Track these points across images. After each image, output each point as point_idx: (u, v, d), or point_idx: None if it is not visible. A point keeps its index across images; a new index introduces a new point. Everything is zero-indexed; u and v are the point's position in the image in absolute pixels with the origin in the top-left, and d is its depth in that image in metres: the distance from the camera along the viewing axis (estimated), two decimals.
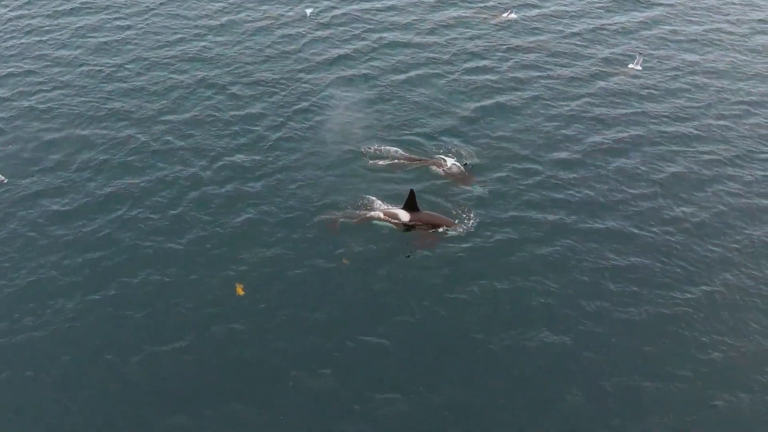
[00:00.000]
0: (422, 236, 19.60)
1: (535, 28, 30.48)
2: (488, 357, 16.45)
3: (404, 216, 19.77)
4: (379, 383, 15.81)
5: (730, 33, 30.71)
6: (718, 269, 19.00)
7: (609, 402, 15.61)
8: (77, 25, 29.74)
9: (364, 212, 20.04)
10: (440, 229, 19.60)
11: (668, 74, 27.57)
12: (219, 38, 29.11)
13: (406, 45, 29.01)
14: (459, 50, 28.72)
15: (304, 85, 26.16)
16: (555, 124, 24.46)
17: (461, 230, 19.57)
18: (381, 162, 22.14)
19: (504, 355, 16.52)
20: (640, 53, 27.94)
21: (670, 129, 24.49)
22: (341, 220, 19.81)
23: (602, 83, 26.87)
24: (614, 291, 18.19)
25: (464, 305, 17.66)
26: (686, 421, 15.29)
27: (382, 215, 19.88)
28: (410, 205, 19.78)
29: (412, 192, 19.71)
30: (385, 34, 29.62)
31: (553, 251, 19.27)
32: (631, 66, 27.41)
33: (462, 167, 21.71)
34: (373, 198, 20.62)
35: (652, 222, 20.48)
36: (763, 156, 23.38)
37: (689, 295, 18.15)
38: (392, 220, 19.77)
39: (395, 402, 15.40)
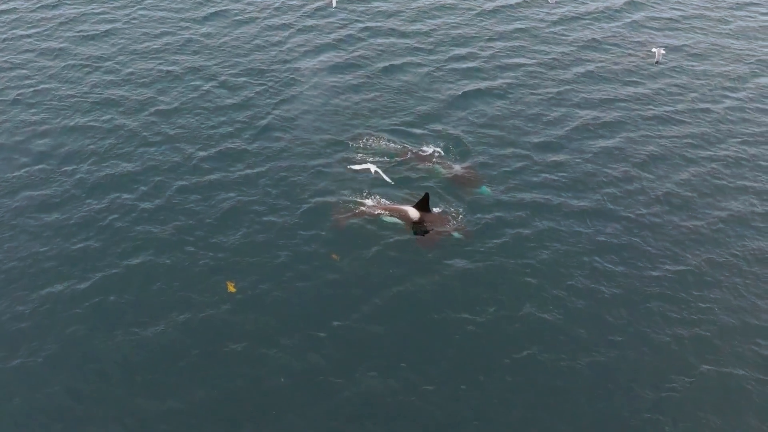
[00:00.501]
0: (427, 236, 19.31)
1: (518, 16, 30.60)
2: (475, 337, 16.53)
3: (414, 214, 19.43)
4: (369, 365, 15.87)
5: (708, 17, 30.98)
6: (699, 247, 19.21)
7: (597, 376, 15.83)
8: (61, 20, 29.41)
9: (372, 207, 19.80)
10: (449, 232, 19.23)
11: (647, 59, 27.79)
12: (204, 30, 28.93)
13: (390, 34, 28.98)
14: (443, 38, 28.74)
15: (290, 76, 26.06)
16: (538, 109, 24.56)
17: (468, 234, 19.16)
18: (370, 158, 21.72)
19: (490, 334, 16.62)
20: (658, 45, 28.19)
21: (649, 112, 24.66)
22: (349, 214, 19.67)
23: (583, 69, 26.97)
24: (598, 269, 18.35)
25: (450, 288, 17.74)
26: (669, 390, 15.57)
27: (391, 212, 19.57)
28: (422, 205, 19.45)
29: (427, 195, 19.37)
30: (369, 24, 29.56)
31: (536, 232, 19.41)
32: (654, 50, 27.59)
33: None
34: (368, 191, 20.47)
35: (634, 202, 20.65)
36: (739, 138, 23.57)
37: (670, 273, 18.35)
38: (401, 218, 19.41)
39: (385, 383, 15.49)
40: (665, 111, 24.77)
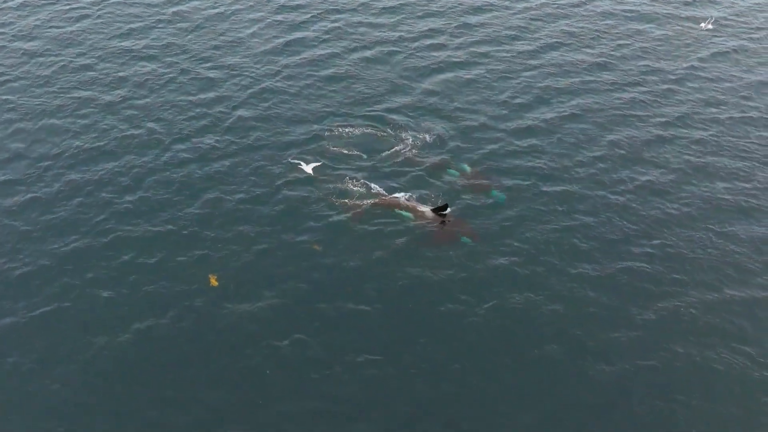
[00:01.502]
0: (435, 235, 18.98)
1: (485, 5, 30.89)
2: (459, 317, 16.72)
3: (429, 215, 19.17)
4: (360, 347, 16.00)
5: (668, 3, 31.65)
6: (671, 224, 19.56)
7: (578, 350, 16.12)
8: (32, 17, 28.79)
9: (388, 201, 19.55)
10: (457, 235, 18.86)
11: (614, 43, 28.08)
12: (175, 25, 28.50)
13: (361, 23, 28.87)
14: (413, 28, 28.71)
15: (263, 66, 25.87)
16: (510, 94, 24.69)
17: (477, 239, 18.76)
18: (345, 151, 21.64)
19: (475, 313, 16.80)
20: (711, 15, 28.95)
21: (618, 95, 24.95)
22: (365, 205, 19.54)
23: (553, 54, 27.16)
24: (574, 249, 18.61)
25: (431, 271, 17.85)
26: (646, 365, 15.89)
27: (406, 208, 19.30)
28: (440, 211, 19.14)
29: (446, 205, 19.07)
30: (340, 15, 29.39)
31: (513, 215, 19.57)
32: (702, 25, 28.14)
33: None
34: (365, 181, 20.39)
35: (607, 182, 20.96)
36: (706, 117, 23.94)
37: (646, 249, 18.73)
38: (415, 215, 19.13)
39: (376, 363, 15.64)
40: (634, 94, 25.07)
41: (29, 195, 20.04)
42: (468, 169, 21.10)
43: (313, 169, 20.61)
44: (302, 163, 20.76)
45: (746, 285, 17.84)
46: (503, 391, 15.31)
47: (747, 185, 21.14)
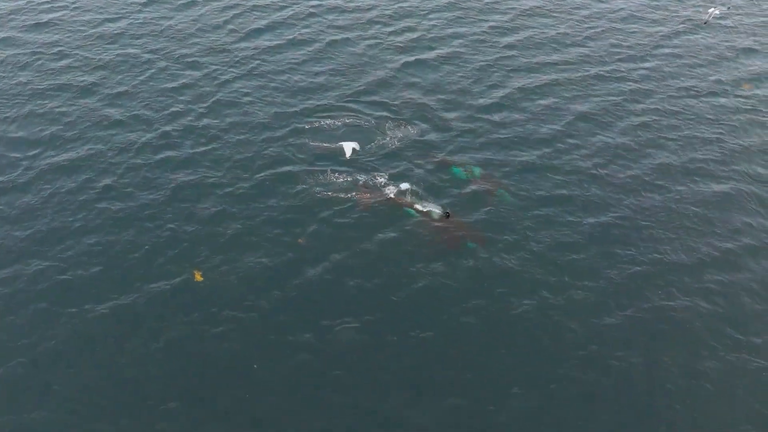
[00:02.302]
0: (438, 237, 18.86)
1: None
2: (434, 287, 17.22)
3: (436, 216, 19.16)
4: (336, 315, 16.48)
5: None
6: (636, 192, 20.21)
7: (551, 311, 16.79)
8: (6, 7, 28.94)
9: (397, 196, 19.59)
10: (462, 239, 18.72)
11: (581, 23, 28.44)
12: (151, 12, 28.36)
13: (335, 10, 28.96)
14: (386, 11, 28.92)
15: (240, 54, 25.88)
16: (480, 73, 25.02)
17: (483, 242, 18.62)
18: (327, 144, 21.53)
19: (451, 281, 17.34)
20: (723, 3, 28.96)
21: (581, 73, 25.37)
22: (374, 198, 19.61)
23: (521, 35, 27.46)
24: (548, 220, 19.16)
25: (400, 243, 18.38)
26: (611, 324, 16.63)
27: (415, 209, 19.24)
28: (446, 215, 19.15)
29: (448, 213, 19.06)
30: (313, 2, 29.64)
31: (482, 188, 20.03)
32: (712, 9, 28.12)
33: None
34: (351, 173, 20.47)
35: (574, 153, 21.52)
36: (670, 92, 24.49)
37: (619, 215, 19.48)
38: (425, 215, 19.12)
39: (353, 331, 16.12)
40: (597, 70, 25.49)
41: (5, 179, 20.20)
42: (477, 172, 20.71)
43: (352, 150, 20.09)
44: (346, 145, 20.10)
45: (712, 247, 18.63)
46: (478, 352, 15.96)
47: (715, 154, 21.83)
